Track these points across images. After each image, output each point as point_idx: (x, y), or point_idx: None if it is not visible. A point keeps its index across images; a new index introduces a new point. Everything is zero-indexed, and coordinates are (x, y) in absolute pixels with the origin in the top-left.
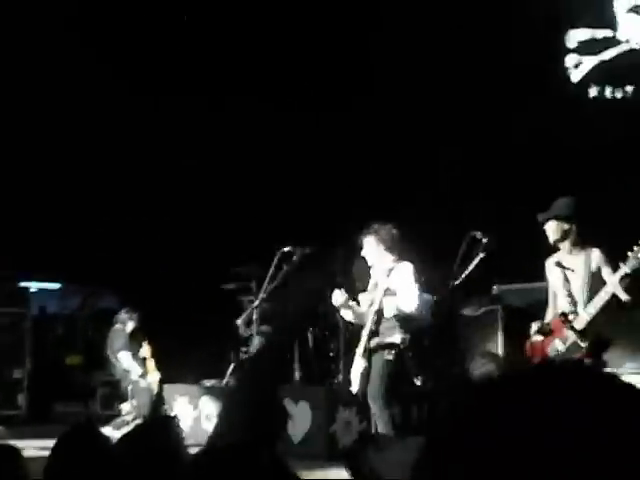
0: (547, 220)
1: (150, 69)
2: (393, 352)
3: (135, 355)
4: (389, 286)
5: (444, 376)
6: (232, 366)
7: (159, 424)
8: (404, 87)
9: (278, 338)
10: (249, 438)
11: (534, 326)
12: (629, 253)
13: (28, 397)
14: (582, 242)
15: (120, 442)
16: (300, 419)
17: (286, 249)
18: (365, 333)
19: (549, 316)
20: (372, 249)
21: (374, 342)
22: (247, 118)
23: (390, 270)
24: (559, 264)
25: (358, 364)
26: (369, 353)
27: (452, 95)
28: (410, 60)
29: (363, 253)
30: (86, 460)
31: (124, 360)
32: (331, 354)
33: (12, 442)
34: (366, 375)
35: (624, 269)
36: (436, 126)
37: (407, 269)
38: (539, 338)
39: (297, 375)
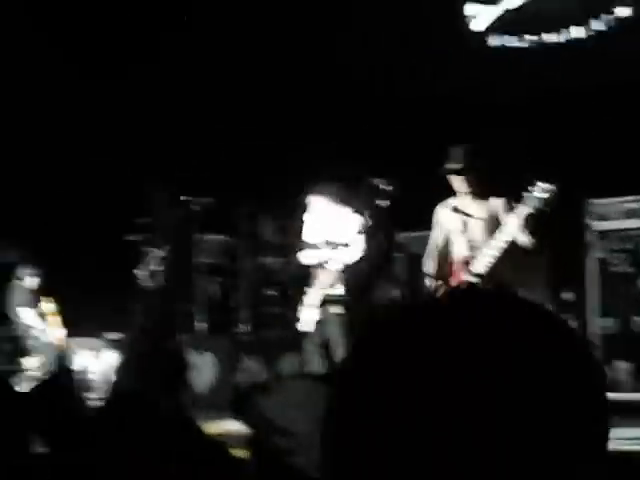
0: (448, 173)
1: None
2: (340, 305)
3: (36, 310)
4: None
5: None
6: (134, 318)
7: (59, 378)
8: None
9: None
10: (145, 387)
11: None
12: (524, 193)
13: None
14: (483, 190)
15: (26, 397)
16: (204, 370)
17: (186, 199)
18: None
19: (434, 263)
20: (320, 206)
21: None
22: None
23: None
24: (457, 209)
25: (311, 314)
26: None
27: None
28: None
29: (311, 211)
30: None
31: (24, 316)
32: (232, 304)
33: None
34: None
35: (524, 209)
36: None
37: (353, 222)
38: (437, 285)
39: (201, 325)
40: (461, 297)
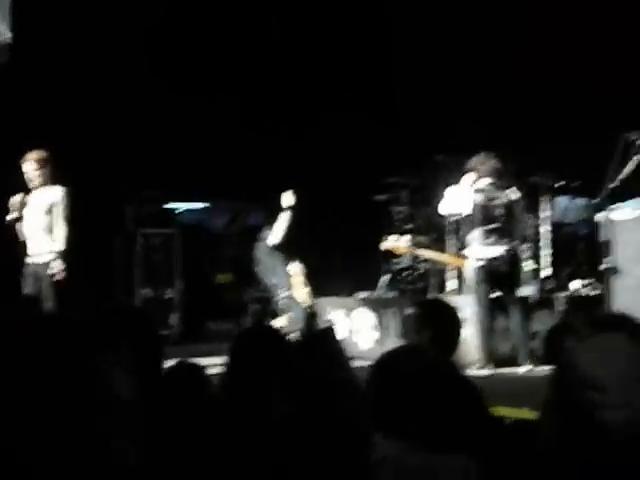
0: None
1: None
2: None
3: (282, 270)
4: None
5: None
6: (384, 277)
7: (319, 335)
8: None
9: None
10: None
11: None
12: None
13: (181, 316)
14: None
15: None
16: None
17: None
18: None
19: None
20: None
21: None
22: None
23: None
24: None
25: None
26: None
27: None
28: None
29: None
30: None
31: (272, 276)
32: None
33: (167, 362)
34: None
35: None
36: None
37: None
38: None
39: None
40: None
